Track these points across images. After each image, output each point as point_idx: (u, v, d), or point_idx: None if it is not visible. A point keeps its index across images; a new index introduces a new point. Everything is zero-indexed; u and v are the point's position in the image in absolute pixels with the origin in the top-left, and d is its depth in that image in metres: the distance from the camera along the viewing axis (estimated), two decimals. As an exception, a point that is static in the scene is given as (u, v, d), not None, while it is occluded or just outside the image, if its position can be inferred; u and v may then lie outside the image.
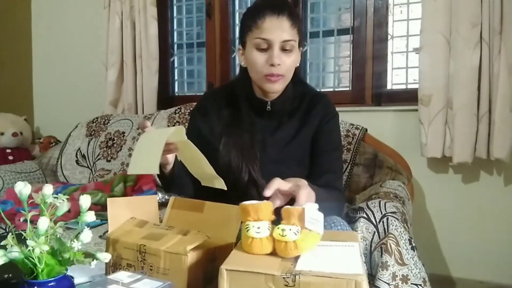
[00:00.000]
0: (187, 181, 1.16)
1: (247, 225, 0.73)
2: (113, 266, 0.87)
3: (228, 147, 1.15)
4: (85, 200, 0.78)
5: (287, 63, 1.10)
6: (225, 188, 0.99)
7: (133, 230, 0.90)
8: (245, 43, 1.15)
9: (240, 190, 1.14)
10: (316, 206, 0.77)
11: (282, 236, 0.71)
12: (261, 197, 1.15)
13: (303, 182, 0.92)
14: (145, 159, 0.93)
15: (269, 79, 1.10)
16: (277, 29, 1.07)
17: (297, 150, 1.20)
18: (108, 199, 0.94)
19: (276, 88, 1.13)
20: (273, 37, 1.07)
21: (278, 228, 0.72)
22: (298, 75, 1.25)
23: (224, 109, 1.21)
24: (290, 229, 0.71)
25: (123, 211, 0.95)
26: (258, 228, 0.72)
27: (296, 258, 0.70)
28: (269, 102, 1.17)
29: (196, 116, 1.27)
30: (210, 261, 0.82)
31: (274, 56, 1.07)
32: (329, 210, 1.02)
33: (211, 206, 0.96)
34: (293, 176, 0.95)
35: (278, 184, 0.89)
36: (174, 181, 1.13)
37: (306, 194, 0.89)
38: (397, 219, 1.30)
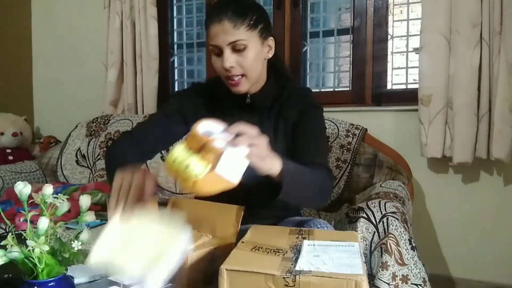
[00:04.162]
0: None
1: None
2: (113, 266, 0.87)
3: None
4: (85, 200, 0.78)
5: (243, 63, 1.10)
6: None
7: (133, 230, 0.90)
8: None
9: None
10: (244, 152, 0.78)
11: (185, 169, 0.74)
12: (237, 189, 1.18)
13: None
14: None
15: (230, 82, 1.13)
16: (220, 34, 1.08)
17: (278, 143, 1.21)
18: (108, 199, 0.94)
19: (241, 89, 1.14)
20: (219, 42, 1.09)
21: (185, 161, 0.74)
22: (281, 69, 1.26)
23: (209, 104, 1.24)
24: (194, 169, 0.73)
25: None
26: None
27: (296, 257, 0.70)
28: (248, 95, 1.19)
29: (184, 96, 1.28)
30: (210, 261, 0.82)
31: (225, 60, 1.09)
32: (311, 184, 1.03)
33: (211, 206, 0.96)
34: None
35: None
36: None
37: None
38: (397, 219, 1.31)
